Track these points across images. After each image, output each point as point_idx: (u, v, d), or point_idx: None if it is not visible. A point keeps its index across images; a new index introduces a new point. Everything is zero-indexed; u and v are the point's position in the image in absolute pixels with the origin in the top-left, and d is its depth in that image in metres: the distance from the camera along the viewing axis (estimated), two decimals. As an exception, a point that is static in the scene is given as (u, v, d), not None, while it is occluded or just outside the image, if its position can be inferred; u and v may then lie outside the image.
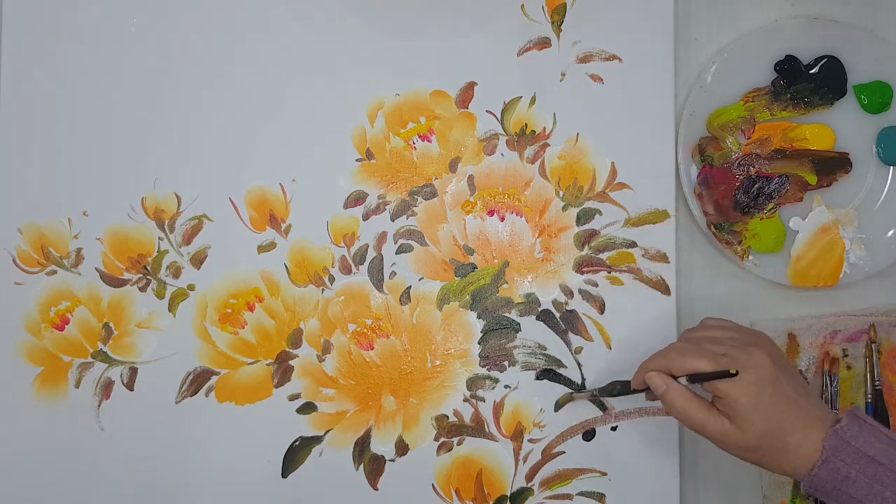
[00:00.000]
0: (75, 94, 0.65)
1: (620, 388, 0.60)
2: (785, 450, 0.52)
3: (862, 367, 0.65)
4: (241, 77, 0.65)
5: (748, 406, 0.52)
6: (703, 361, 0.53)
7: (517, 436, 0.64)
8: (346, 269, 0.65)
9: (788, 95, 0.65)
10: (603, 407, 0.64)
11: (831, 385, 0.64)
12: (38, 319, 0.64)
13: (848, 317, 0.65)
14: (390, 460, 0.64)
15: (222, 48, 0.65)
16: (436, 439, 0.64)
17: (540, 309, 0.64)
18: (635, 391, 0.59)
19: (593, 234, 0.65)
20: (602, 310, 0.64)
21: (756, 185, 0.64)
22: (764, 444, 0.52)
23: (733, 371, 0.52)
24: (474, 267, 0.65)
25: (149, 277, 0.64)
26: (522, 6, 0.66)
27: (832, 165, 0.65)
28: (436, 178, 0.65)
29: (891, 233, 0.65)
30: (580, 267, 0.65)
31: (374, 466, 0.64)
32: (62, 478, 0.63)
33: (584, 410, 0.64)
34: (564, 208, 0.65)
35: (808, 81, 0.65)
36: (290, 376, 0.64)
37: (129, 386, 0.64)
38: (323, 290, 0.64)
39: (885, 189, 0.65)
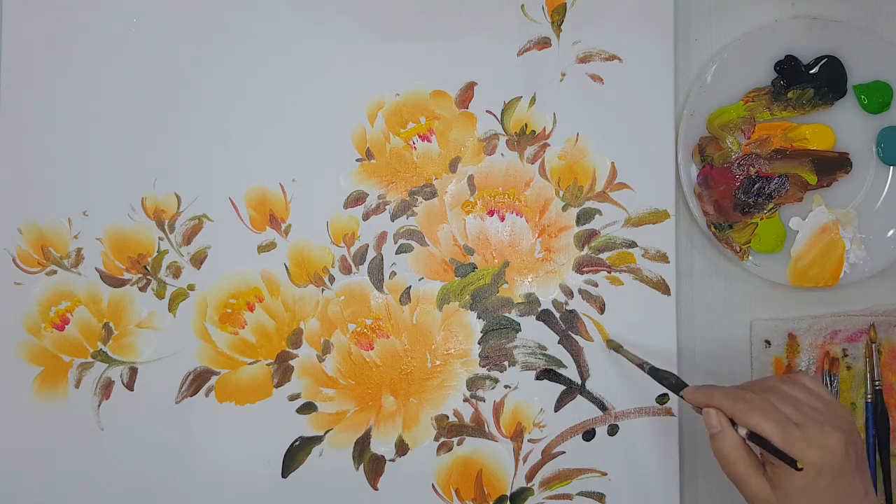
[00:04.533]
0: (75, 94, 0.65)
1: (674, 385, 0.56)
2: None
3: (862, 367, 0.65)
4: (240, 77, 0.65)
5: (798, 487, 0.48)
6: (771, 426, 0.48)
7: (517, 436, 0.64)
8: (346, 269, 0.65)
9: (788, 96, 0.65)
10: (603, 407, 0.64)
11: (831, 385, 0.64)
12: (38, 319, 0.64)
13: (848, 317, 0.65)
14: (390, 460, 0.64)
15: (222, 48, 0.65)
16: (436, 439, 0.64)
17: (540, 309, 0.64)
18: (686, 400, 0.55)
19: (593, 234, 0.65)
20: (602, 310, 0.64)
21: (756, 185, 0.64)
22: None
23: (800, 465, 0.47)
24: (474, 267, 0.65)
25: (149, 277, 0.64)
26: (522, 6, 0.66)
27: (832, 165, 0.65)
28: (436, 178, 0.65)
29: (891, 233, 0.65)
30: (580, 267, 0.65)
31: (374, 466, 0.64)
32: (62, 477, 0.63)
33: (584, 410, 0.64)
34: (564, 208, 0.65)
35: (808, 81, 0.65)
36: (290, 376, 0.64)
37: (129, 386, 0.64)
38: (323, 290, 0.64)
39: (885, 189, 0.65)
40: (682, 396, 0.55)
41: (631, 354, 0.61)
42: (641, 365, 0.59)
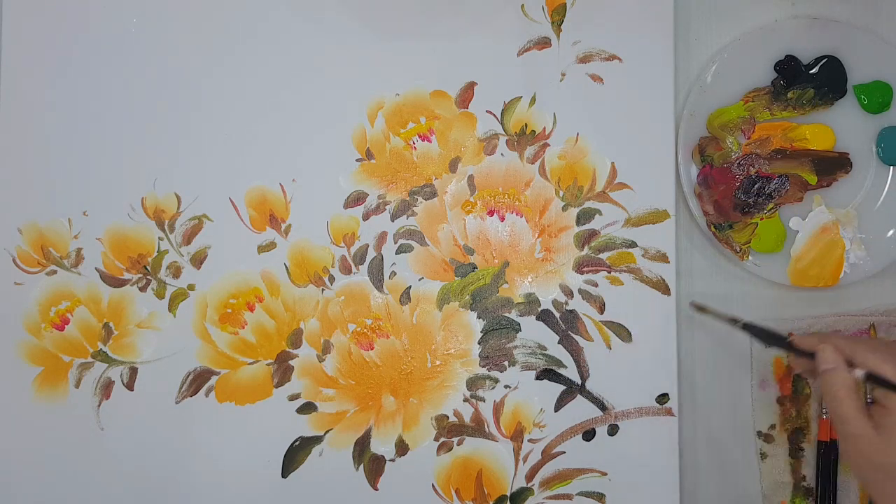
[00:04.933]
0: (75, 94, 0.65)
1: (773, 338, 0.58)
2: None
3: (862, 367, 0.65)
4: (241, 77, 0.65)
5: None
6: (890, 367, 0.51)
7: (517, 436, 0.64)
8: (346, 269, 0.65)
9: (788, 96, 0.65)
10: (603, 407, 0.64)
11: (831, 385, 0.64)
12: (38, 319, 0.64)
13: (848, 317, 0.65)
14: (390, 460, 0.64)
15: (222, 48, 0.65)
16: (436, 439, 0.64)
17: (540, 309, 0.64)
18: (791, 349, 0.56)
19: (593, 234, 0.65)
20: (602, 310, 0.64)
21: (756, 185, 0.64)
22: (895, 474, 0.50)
23: None
24: (474, 267, 0.65)
25: (149, 277, 0.64)
26: (522, 6, 0.66)
27: (832, 165, 0.65)
28: (436, 178, 0.65)
29: (891, 233, 0.65)
30: (580, 267, 0.65)
31: (374, 466, 0.64)
32: (62, 477, 0.63)
33: (584, 410, 0.64)
34: (564, 208, 0.65)
35: (808, 81, 0.65)
36: (290, 376, 0.64)
37: (129, 386, 0.64)
38: (323, 290, 0.64)
39: (885, 189, 0.65)
40: (790, 343, 0.56)
41: (719, 312, 0.62)
42: (734, 321, 0.60)
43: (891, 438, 0.50)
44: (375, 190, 0.65)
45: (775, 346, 0.58)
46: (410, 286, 0.64)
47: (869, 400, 0.53)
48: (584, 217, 0.65)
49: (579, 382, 0.64)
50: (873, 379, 0.52)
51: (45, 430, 0.63)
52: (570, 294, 0.64)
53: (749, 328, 0.59)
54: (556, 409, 0.64)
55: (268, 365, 0.64)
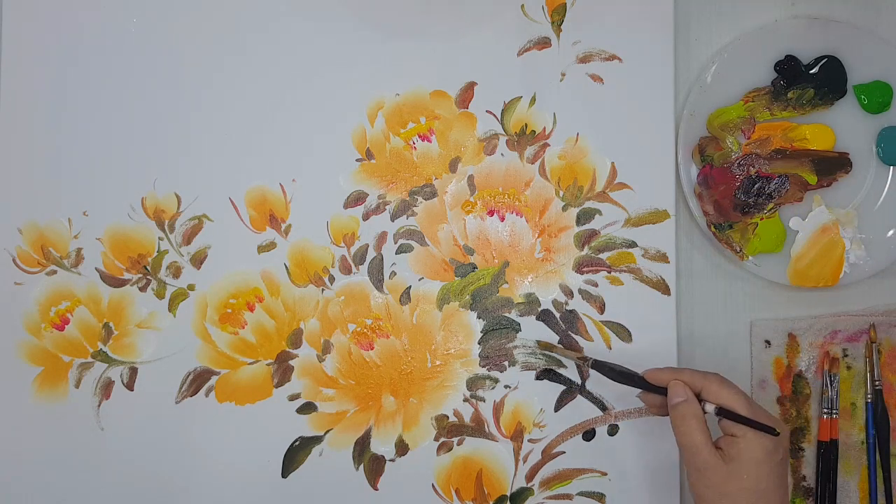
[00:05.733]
0: (75, 94, 0.65)
1: (623, 376, 0.58)
2: None
3: (862, 367, 0.65)
4: (241, 77, 0.65)
5: (755, 459, 0.51)
6: (741, 402, 0.53)
7: (517, 436, 0.64)
8: (346, 269, 0.65)
9: (788, 96, 0.65)
10: (603, 407, 0.64)
11: (831, 385, 0.64)
12: (38, 319, 0.64)
13: (848, 317, 0.65)
14: (390, 460, 0.64)
15: (222, 48, 0.65)
16: (436, 439, 0.64)
17: (540, 309, 0.64)
18: (641, 385, 0.57)
19: (593, 234, 0.65)
20: (602, 310, 0.64)
21: (756, 185, 0.64)
22: (741, 501, 0.51)
23: (778, 431, 0.51)
24: (474, 267, 0.65)
25: (149, 277, 0.64)
26: (522, 6, 0.66)
27: (832, 165, 0.65)
28: (436, 178, 0.65)
29: (891, 233, 0.65)
30: (580, 267, 0.65)
31: (374, 466, 0.64)
32: (62, 477, 0.63)
33: (584, 410, 0.64)
34: (564, 208, 0.65)
35: (808, 81, 0.65)
36: (290, 376, 0.64)
37: (129, 386, 0.64)
38: (323, 290, 0.64)
39: (885, 189, 0.65)
40: (643, 378, 0.57)
41: (565, 351, 0.63)
42: (582, 360, 0.61)
43: (738, 466, 0.51)
44: (375, 190, 0.65)
45: (625, 384, 0.58)
46: (410, 286, 0.64)
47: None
48: (584, 217, 0.65)
49: (579, 382, 0.64)
50: (723, 412, 0.53)
51: (45, 430, 0.63)
52: (570, 294, 0.64)
53: (598, 366, 0.59)
54: (556, 409, 0.64)
55: (268, 365, 0.64)
